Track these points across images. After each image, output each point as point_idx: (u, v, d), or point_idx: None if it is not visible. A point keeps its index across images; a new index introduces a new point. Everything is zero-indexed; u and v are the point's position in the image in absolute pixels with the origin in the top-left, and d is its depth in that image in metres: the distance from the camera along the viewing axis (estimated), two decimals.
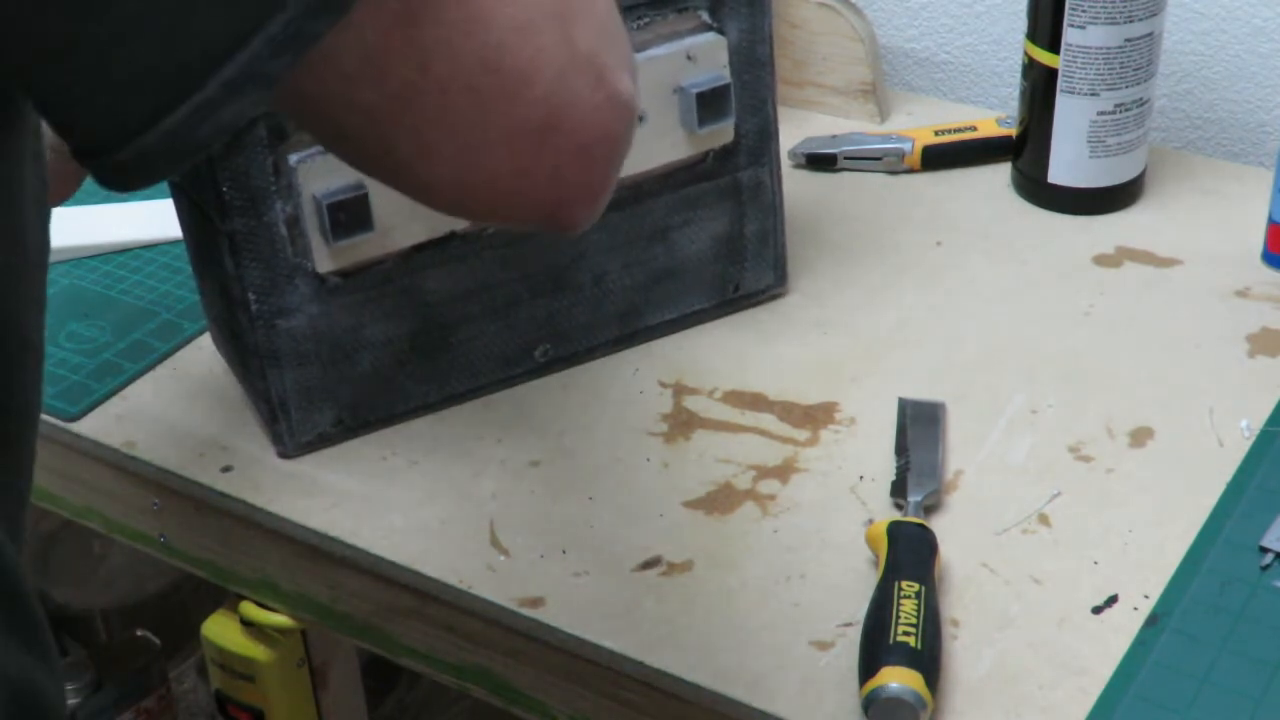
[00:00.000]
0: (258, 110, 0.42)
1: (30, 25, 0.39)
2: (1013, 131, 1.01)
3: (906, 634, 0.64)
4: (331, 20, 0.41)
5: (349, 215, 0.74)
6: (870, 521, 0.74)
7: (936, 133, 1.03)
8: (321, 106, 0.44)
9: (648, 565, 0.74)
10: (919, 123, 1.06)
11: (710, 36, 0.80)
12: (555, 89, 0.45)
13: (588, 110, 0.46)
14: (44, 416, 0.85)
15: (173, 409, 0.86)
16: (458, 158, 0.45)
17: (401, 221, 0.77)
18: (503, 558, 0.74)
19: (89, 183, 0.71)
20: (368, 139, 0.46)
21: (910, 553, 0.69)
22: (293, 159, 0.73)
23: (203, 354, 0.90)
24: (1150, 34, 0.92)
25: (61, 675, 0.55)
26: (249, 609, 0.86)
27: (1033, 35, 0.95)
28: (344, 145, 0.47)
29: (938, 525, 0.73)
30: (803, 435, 0.81)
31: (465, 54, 0.43)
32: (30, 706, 0.51)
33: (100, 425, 0.85)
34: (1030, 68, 0.96)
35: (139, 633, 1.23)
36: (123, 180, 0.42)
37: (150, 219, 1.01)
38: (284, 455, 0.81)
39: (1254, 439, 0.78)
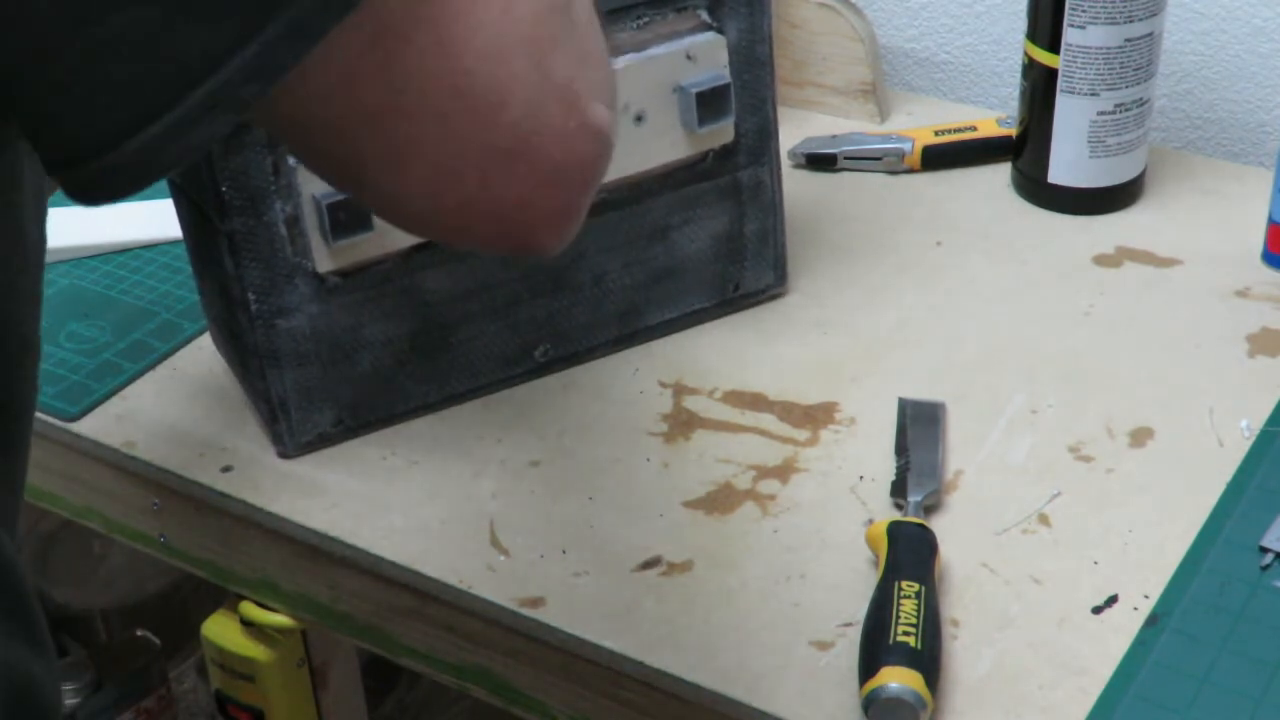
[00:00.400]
0: (230, 129, 0.42)
1: (17, 32, 0.39)
2: (1013, 131, 1.01)
3: (906, 634, 0.64)
4: (305, 47, 0.41)
5: (348, 215, 0.74)
6: (870, 521, 0.74)
7: (936, 133, 1.03)
8: (294, 123, 0.45)
9: (648, 565, 0.74)
10: (919, 123, 1.06)
11: (710, 36, 0.80)
12: (526, 116, 0.45)
13: (559, 138, 0.46)
14: (44, 416, 0.85)
15: (173, 409, 0.86)
16: (428, 179, 0.46)
17: None
18: (503, 558, 0.74)
19: None
20: (340, 156, 0.46)
21: (910, 553, 0.69)
22: (292, 159, 0.73)
23: (203, 354, 0.90)
24: (1150, 34, 0.92)
25: (58, 670, 0.55)
26: (249, 609, 0.86)
27: (1033, 35, 0.95)
28: (317, 160, 0.47)
29: (938, 525, 0.73)
30: (803, 435, 0.81)
31: (436, 79, 0.43)
32: (27, 699, 0.51)
33: (100, 425, 0.85)
34: (1030, 68, 0.96)
35: (139, 633, 1.23)
36: (90, 193, 0.43)
37: (150, 219, 1.01)
38: (284, 455, 0.81)
39: (1254, 439, 0.78)
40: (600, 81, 0.48)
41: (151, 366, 0.89)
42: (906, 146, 1.03)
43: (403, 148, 0.45)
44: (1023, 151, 0.99)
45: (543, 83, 0.45)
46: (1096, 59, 0.92)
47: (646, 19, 0.80)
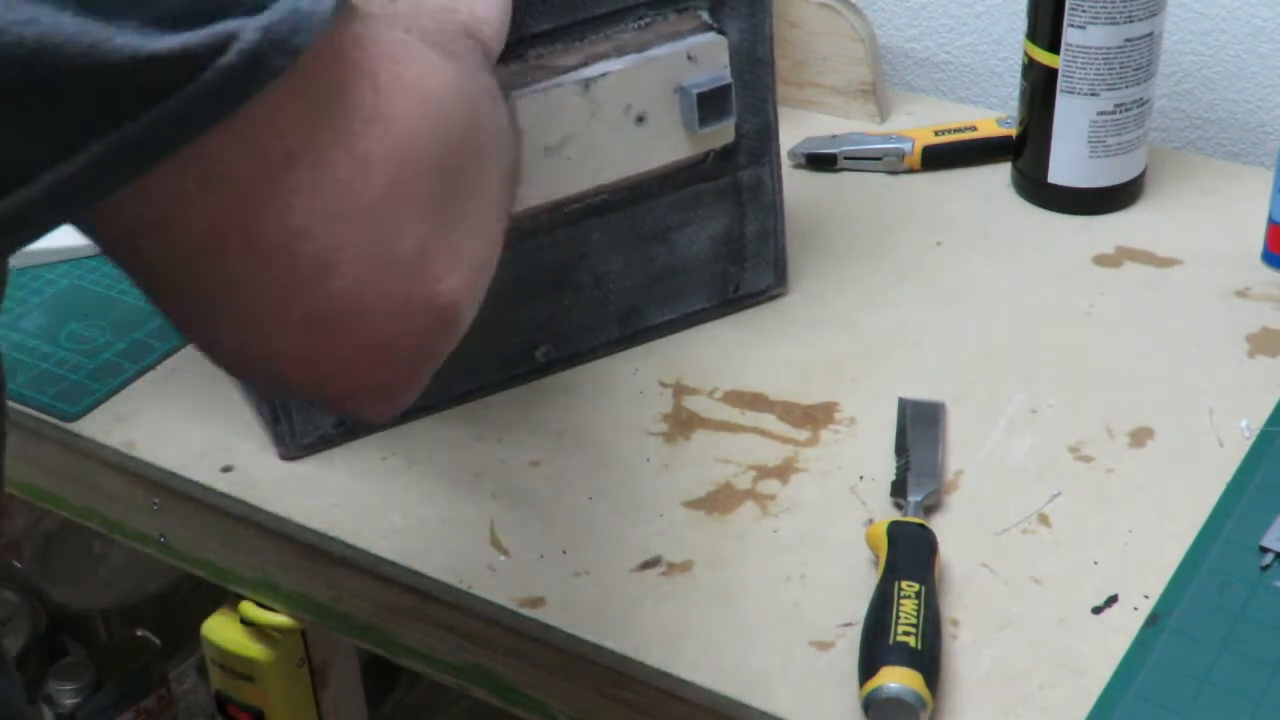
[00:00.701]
0: (40, 236, 0.40)
1: None
2: (1013, 131, 1.01)
3: (906, 634, 0.64)
4: (116, 182, 0.39)
5: None
6: (870, 521, 0.74)
7: (936, 133, 1.03)
8: (113, 244, 0.43)
9: (648, 565, 0.74)
10: (919, 123, 1.06)
11: (711, 37, 0.80)
12: (358, 285, 0.43)
13: (394, 312, 0.44)
14: (44, 416, 0.85)
15: (173, 409, 0.86)
16: (243, 330, 0.43)
17: None
18: (503, 558, 0.74)
19: None
20: (155, 286, 0.44)
21: (910, 553, 0.69)
22: None
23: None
24: (1150, 34, 0.92)
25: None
26: (249, 609, 0.86)
27: (1033, 35, 0.95)
28: (134, 278, 0.44)
29: (938, 525, 0.73)
30: (803, 435, 0.81)
31: (263, 234, 0.41)
32: None
33: (100, 425, 0.85)
34: (1030, 68, 0.96)
35: (139, 633, 1.23)
36: None
37: None
38: (286, 457, 0.81)
39: (1254, 439, 0.78)
40: (467, 249, 0.46)
41: (151, 366, 0.89)
42: (906, 146, 1.03)
43: (219, 294, 0.42)
44: (1023, 151, 0.99)
45: (384, 253, 0.43)
46: (1096, 59, 0.92)
47: (648, 20, 0.80)
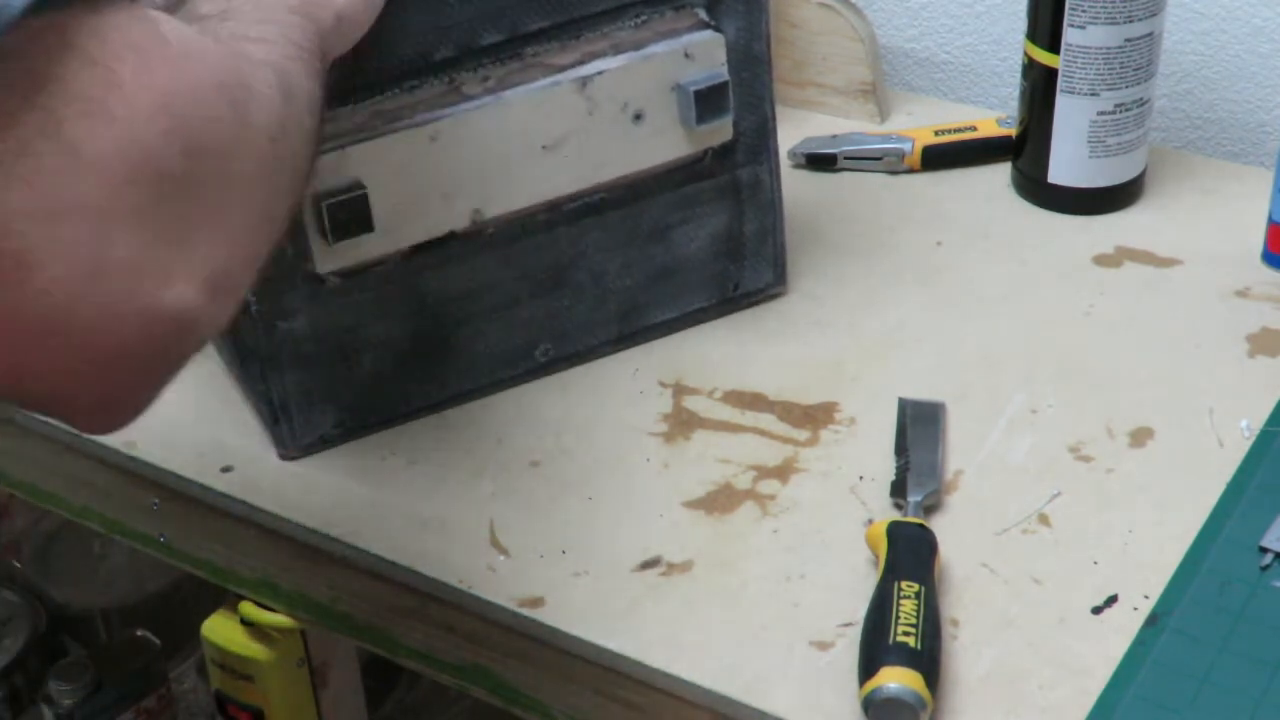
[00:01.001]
0: None
1: None
2: (1013, 131, 1.01)
3: (906, 634, 0.64)
4: None
5: (349, 215, 0.74)
6: (870, 521, 0.74)
7: (936, 133, 1.03)
8: None
9: (648, 565, 0.74)
10: (919, 123, 1.06)
11: (708, 34, 0.80)
12: (65, 288, 0.40)
13: (107, 320, 0.42)
14: (44, 416, 0.85)
15: (173, 409, 0.85)
16: None
17: (402, 222, 0.77)
18: (503, 558, 0.74)
19: None
20: None
21: (910, 553, 0.69)
22: None
23: (203, 354, 0.89)
24: (1150, 34, 0.92)
25: None
26: (249, 609, 0.86)
27: (1033, 35, 0.95)
28: None
29: (938, 525, 0.73)
30: (803, 435, 0.81)
31: None
32: None
33: None
34: (1030, 68, 0.96)
35: (139, 633, 1.23)
36: None
37: None
38: (286, 457, 0.81)
39: (1254, 439, 0.78)
40: (209, 255, 0.44)
41: None
42: (906, 146, 1.03)
43: None
44: (1023, 151, 0.99)
45: (100, 256, 0.40)
46: (1096, 59, 0.92)
47: (645, 17, 0.80)
